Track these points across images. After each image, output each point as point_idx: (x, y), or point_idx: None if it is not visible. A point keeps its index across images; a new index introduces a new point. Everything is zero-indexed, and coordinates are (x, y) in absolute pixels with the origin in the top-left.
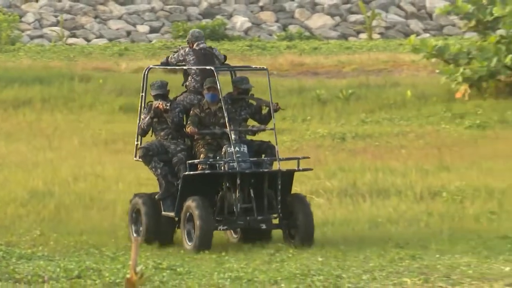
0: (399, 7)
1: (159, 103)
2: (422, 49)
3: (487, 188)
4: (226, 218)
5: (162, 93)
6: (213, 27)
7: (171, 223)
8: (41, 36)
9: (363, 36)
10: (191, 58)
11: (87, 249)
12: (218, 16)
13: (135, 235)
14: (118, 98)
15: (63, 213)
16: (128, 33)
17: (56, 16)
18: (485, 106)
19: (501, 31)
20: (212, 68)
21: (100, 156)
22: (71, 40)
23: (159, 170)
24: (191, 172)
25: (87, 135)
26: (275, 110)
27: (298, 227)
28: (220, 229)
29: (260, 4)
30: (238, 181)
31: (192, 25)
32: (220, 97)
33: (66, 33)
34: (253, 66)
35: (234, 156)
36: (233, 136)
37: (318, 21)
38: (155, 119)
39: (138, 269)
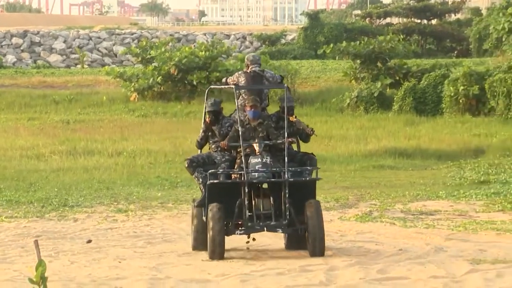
0: (98, 50)
1: (207, 118)
2: (111, 73)
3: (148, 150)
4: (244, 223)
5: (214, 109)
6: None
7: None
8: None
9: (79, 66)
10: (242, 79)
11: None
12: None
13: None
14: None
15: None
16: None
17: None
18: (147, 105)
19: (155, 64)
20: (233, 86)
21: None
22: None
23: (200, 179)
24: (212, 181)
25: None
26: (309, 134)
27: (309, 233)
28: (237, 234)
29: (21, 48)
30: (246, 189)
31: None
32: (236, 116)
33: None
34: (274, 85)
35: (244, 167)
36: (257, 149)
37: (54, 58)
38: (209, 133)
39: None
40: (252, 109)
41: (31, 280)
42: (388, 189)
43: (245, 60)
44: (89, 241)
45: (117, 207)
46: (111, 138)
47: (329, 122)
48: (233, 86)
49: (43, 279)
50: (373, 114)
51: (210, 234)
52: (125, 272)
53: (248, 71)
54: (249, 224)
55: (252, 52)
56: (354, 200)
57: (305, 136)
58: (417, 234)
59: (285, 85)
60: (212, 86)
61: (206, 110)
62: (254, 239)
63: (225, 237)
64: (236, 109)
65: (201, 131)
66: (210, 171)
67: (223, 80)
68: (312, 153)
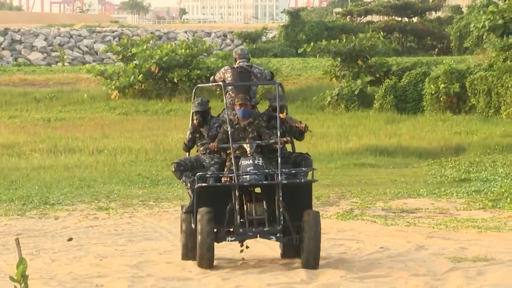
0: (79, 48)
1: (194, 119)
2: (92, 71)
3: (129, 148)
4: (234, 230)
5: (201, 110)
6: None
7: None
8: None
9: (60, 64)
10: (228, 76)
11: None
12: None
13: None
14: None
15: None
16: None
17: None
18: (127, 103)
19: (136, 62)
20: (221, 83)
21: None
22: None
23: (189, 184)
24: (200, 184)
25: None
26: (303, 131)
27: (304, 244)
28: (228, 240)
29: (2, 46)
30: (237, 193)
31: None
32: (225, 115)
33: None
34: (265, 82)
35: (235, 169)
36: (248, 149)
37: (34, 56)
38: (196, 135)
39: None
40: (242, 108)
41: (12, 278)
42: (369, 187)
43: (233, 53)
44: (70, 239)
45: (98, 205)
46: (92, 136)
47: (310, 120)
48: (221, 83)
49: (24, 277)
50: (354, 112)
51: (198, 238)
52: (106, 270)
53: (236, 66)
54: (241, 230)
55: (233, 49)
56: (335, 198)
57: (299, 134)
58: (398, 232)
59: (277, 81)
60: (199, 85)
61: (193, 111)
62: (247, 247)
63: (215, 244)
64: (224, 108)
65: (188, 133)
66: (198, 173)
67: (211, 78)
68: (307, 153)
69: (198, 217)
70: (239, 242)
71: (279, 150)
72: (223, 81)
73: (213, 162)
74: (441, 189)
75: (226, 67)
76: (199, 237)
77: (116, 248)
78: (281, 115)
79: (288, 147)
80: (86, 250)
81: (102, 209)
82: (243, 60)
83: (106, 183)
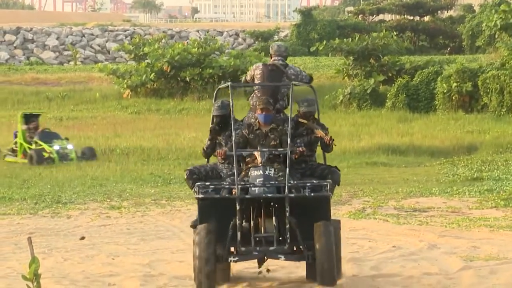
0: (91, 47)
1: (214, 124)
2: (104, 70)
3: (141, 147)
4: (239, 248)
5: (220, 113)
6: None
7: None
8: None
9: (72, 63)
10: (258, 73)
11: None
12: None
13: None
14: None
15: None
16: None
17: None
18: (139, 101)
19: (148, 61)
20: (230, 83)
21: None
22: None
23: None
24: (198, 196)
25: None
26: (328, 144)
27: (316, 260)
28: (231, 261)
29: (14, 45)
30: (238, 207)
31: None
32: (246, 119)
33: None
34: (284, 83)
35: (236, 179)
36: (259, 159)
37: (47, 55)
38: (216, 141)
39: None
40: (264, 113)
41: (24, 277)
42: (381, 186)
43: (270, 49)
44: (82, 238)
45: (110, 204)
46: (104, 135)
47: (322, 119)
48: (229, 84)
49: (36, 276)
50: (366, 111)
51: (195, 263)
52: (118, 269)
53: (268, 63)
54: (243, 249)
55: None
56: (347, 197)
57: (324, 145)
58: (410, 231)
59: (308, 84)
60: (220, 87)
61: (213, 114)
62: (268, 270)
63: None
64: (249, 111)
65: (207, 139)
66: (198, 183)
67: (242, 78)
68: (335, 167)
69: (196, 238)
70: (258, 264)
71: (288, 160)
72: (252, 79)
73: (230, 172)
74: (454, 188)
75: (258, 64)
76: (196, 262)
77: (128, 247)
78: (304, 121)
79: (320, 159)
80: (99, 249)
81: (114, 208)
82: (279, 58)
83: (118, 182)
